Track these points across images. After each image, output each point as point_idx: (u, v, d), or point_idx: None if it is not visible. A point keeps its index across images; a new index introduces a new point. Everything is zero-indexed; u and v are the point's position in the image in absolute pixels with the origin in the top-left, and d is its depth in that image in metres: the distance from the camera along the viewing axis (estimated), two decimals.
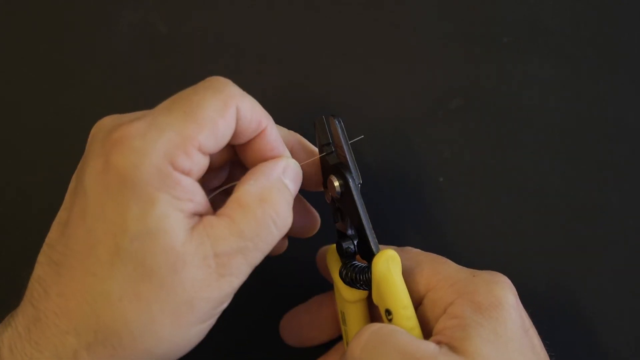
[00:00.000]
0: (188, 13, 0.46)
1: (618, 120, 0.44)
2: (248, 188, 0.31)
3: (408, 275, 0.34)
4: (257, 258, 0.30)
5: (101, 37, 0.45)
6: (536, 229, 0.43)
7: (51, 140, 0.44)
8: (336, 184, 0.35)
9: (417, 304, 0.34)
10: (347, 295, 0.36)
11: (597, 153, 0.44)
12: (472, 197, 0.44)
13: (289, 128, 0.36)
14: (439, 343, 0.31)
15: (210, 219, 0.29)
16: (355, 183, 0.34)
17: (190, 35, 0.46)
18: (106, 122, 0.31)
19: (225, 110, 0.30)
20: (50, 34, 0.46)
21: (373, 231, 0.34)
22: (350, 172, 0.34)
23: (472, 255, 0.43)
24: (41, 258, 0.30)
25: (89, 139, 0.31)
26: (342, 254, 0.36)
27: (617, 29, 0.45)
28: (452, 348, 0.30)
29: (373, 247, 0.34)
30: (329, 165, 0.35)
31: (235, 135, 0.31)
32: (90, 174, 0.29)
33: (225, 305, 0.30)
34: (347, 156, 0.34)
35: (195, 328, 0.29)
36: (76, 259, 0.29)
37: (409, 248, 0.36)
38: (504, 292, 0.32)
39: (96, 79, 0.45)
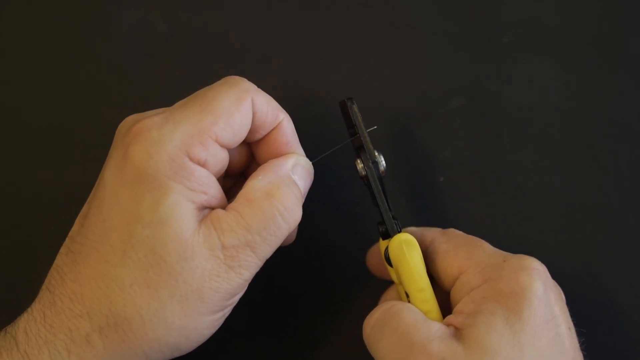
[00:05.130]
0: (188, 13, 0.46)
1: (618, 120, 0.44)
2: (256, 183, 0.31)
3: (444, 258, 0.34)
4: (266, 251, 0.31)
5: (101, 37, 0.45)
6: (536, 229, 0.43)
7: (51, 139, 0.44)
8: (359, 166, 0.35)
9: (450, 286, 0.34)
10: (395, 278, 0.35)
11: (597, 153, 0.44)
12: (472, 197, 0.44)
13: None
14: (448, 325, 0.31)
15: (218, 212, 0.30)
16: (367, 160, 0.34)
17: (190, 35, 0.46)
18: (129, 119, 0.32)
19: (240, 102, 0.31)
20: (51, 34, 0.46)
21: (389, 212, 0.34)
22: (365, 152, 0.34)
23: None
24: (62, 249, 0.31)
25: (114, 137, 0.32)
26: (381, 235, 0.36)
27: (617, 28, 0.45)
28: (457, 332, 0.30)
29: (389, 228, 0.34)
30: (355, 148, 0.36)
31: (253, 129, 0.32)
32: (110, 167, 0.30)
33: (237, 297, 0.31)
34: (360, 136, 0.35)
35: (206, 318, 0.30)
36: (92, 247, 0.29)
37: (451, 230, 0.36)
38: (530, 279, 0.31)
39: (96, 79, 0.45)
